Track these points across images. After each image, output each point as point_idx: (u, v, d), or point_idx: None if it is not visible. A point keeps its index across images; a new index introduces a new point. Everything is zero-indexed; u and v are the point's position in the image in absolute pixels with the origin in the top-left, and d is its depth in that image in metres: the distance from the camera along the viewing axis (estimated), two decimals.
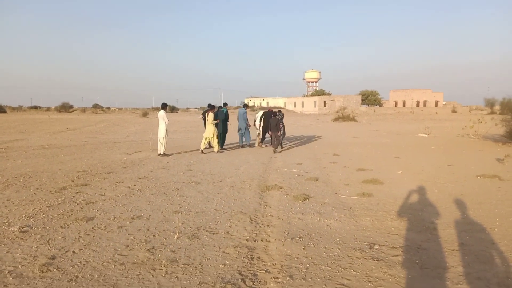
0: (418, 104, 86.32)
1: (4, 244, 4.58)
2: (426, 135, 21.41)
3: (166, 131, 12.73)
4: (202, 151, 13.65)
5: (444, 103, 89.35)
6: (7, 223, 5.35)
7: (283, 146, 15.65)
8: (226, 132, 15.22)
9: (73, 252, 4.38)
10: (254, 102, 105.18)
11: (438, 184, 8.25)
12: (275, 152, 13.88)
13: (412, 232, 5.16)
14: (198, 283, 3.66)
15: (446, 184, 8.25)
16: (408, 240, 4.87)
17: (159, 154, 12.65)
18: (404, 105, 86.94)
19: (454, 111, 71.89)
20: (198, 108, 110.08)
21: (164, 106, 13.07)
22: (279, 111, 15.37)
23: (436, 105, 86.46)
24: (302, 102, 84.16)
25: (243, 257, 4.29)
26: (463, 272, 3.93)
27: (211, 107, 13.98)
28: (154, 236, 4.95)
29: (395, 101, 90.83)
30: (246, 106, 16.60)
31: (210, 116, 13.50)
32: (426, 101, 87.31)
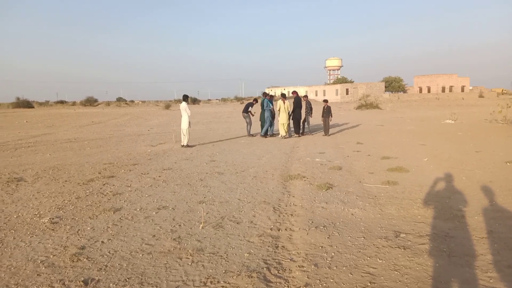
0: (443, 89, 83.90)
1: (36, 235, 4.74)
2: (453, 121, 20.87)
3: (189, 122, 12.84)
4: (284, 136, 15.34)
5: (470, 88, 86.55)
6: (38, 215, 5.54)
7: (304, 133, 16.46)
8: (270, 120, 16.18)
9: (102, 242, 4.49)
10: (275, 92, 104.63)
11: (466, 171, 8.05)
12: (328, 135, 15.94)
13: (439, 220, 5.06)
14: (224, 271, 3.71)
15: (474, 171, 8.04)
16: (435, 228, 4.78)
17: (183, 146, 12.78)
18: (429, 91, 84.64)
19: (481, 96, 69.76)
20: (219, 99, 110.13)
21: (186, 98, 13.15)
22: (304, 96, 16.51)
23: (462, 90, 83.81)
24: (324, 91, 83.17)
25: (268, 246, 4.31)
26: (492, 260, 3.84)
27: (283, 95, 15.76)
28: (179, 225, 5.03)
29: (419, 87, 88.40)
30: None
31: (287, 104, 15.44)
32: (452, 86, 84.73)
